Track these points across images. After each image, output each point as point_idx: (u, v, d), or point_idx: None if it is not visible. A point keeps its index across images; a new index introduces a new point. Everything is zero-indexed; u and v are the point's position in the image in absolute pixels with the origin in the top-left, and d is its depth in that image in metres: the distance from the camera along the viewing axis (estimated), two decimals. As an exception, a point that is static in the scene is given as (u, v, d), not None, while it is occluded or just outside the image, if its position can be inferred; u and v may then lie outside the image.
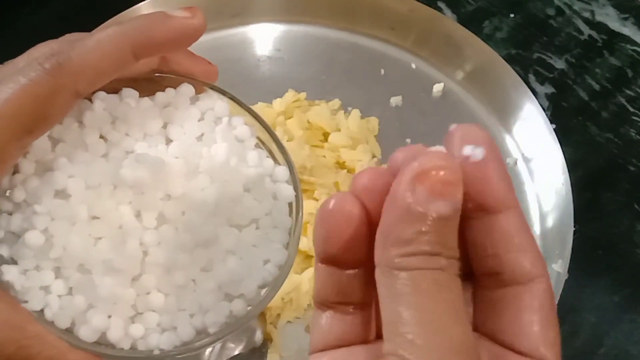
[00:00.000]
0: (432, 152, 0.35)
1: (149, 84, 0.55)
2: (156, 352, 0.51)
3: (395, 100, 0.91)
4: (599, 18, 0.99)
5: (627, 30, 0.98)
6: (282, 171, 0.56)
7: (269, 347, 0.76)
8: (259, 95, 0.88)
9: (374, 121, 0.89)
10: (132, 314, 0.52)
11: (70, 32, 0.54)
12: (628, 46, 0.97)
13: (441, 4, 0.99)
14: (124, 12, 0.88)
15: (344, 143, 0.85)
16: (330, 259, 0.38)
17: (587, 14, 0.99)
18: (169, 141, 0.54)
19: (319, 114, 0.87)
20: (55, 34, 0.55)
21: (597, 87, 0.95)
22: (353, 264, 0.38)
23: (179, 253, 0.51)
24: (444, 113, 0.90)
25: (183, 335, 0.51)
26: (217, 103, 0.56)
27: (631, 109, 0.93)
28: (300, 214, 0.54)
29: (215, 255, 0.52)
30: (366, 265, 0.38)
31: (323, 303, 0.39)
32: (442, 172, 0.34)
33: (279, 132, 0.84)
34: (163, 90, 0.55)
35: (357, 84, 0.92)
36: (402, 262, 0.34)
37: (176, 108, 0.55)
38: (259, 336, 0.74)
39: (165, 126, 0.55)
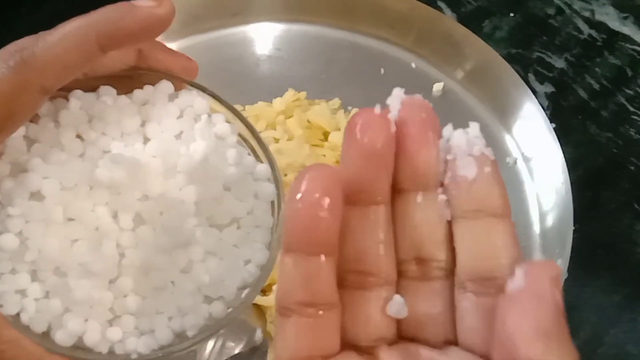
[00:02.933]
0: None
1: (127, 81, 0.52)
2: (134, 356, 0.49)
3: (395, 99, 0.87)
4: (598, 17, 0.97)
5: (627, 29, 0.96)
6: (264, 169, 0.53)
7: (269, 346, 0.73)
8: (259, 94, 0.86)
9: (374, 120, 0.85)
10: (109, 317, 0.49)
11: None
12: (628, 45, 0.95)
13: (441, 3, 0.97)
14: (124, 11, 0.85)
15: (344, 142, 0.81)
16: (299, 243, 0.35)
17: (587, 13, 0.97)
18: (147, 140, 0.51)
19: (319, 113, 0.84)
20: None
21: (597, 86, 0.93)
22: (322, 248, 0.35)
23: (157, 255, 0.49)
24: (444, 112, 0.84)
25: (161, 339, 0.49)
26: (196, 100, 0.53)
27: (631, 108, 0.91)
28: (282, 212, 0.51)
29: (195, 256, 0.49)
30: (334, 255, 0.35)
31: (287, 307, 0.36)
32: None
33: (278, 131, 0.83)
34: (141, 88, 0.52)
35: (357, 83, 0.89)
36: None
37: (154, 105, 0.52)
38: (259, 335, 0.72)
39: (143, 124, 0.52)
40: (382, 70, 0.90)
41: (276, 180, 0.52)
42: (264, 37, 0.92)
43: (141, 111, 0.51)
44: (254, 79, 0.89)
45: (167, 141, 0.51)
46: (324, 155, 0.81)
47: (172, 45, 0.88)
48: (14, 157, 0.49)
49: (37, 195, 0.48)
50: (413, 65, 0.91)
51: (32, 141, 0.50)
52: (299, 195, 0.34)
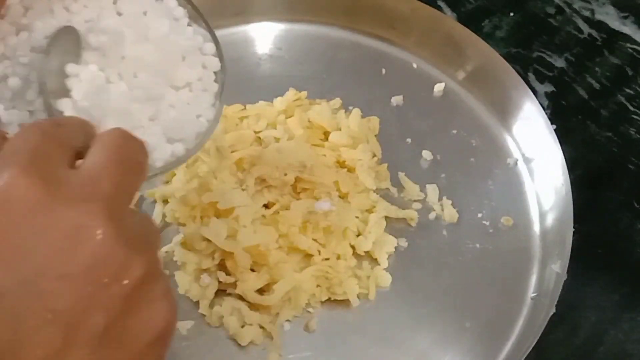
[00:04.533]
0: None
1: None
2: None
3: (396, 100, 0.88)
4: (598, 17, 0.97)
5: (627, 29, 0.96)
6: (210, 46, 0.62)
7: (269, 345, 0.73)
8: (260, 93, 0.86)
9: (374, 120, 0.86)
10: None
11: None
12: (628, 45, 0.95)
13: (441, 3, 0.97)
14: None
15: (344, 142, 0.82)
16: None
17: (587, 13, 0.97)
18: (119, 14, 0.60)
19: (320, 113, 0.84)
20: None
21: (597, 85, 0.92)
22: None
23: (133, 103, 0.57)
24: (445, 113, 0.88)
25: None
26: None
27: (631, 108, 0.91)
28: (224, 80, 0.62)
29: (161, 108, 0.58)
30: None
31: None
32: None
33: (279, 131, 0.82)
34: None
35: (358, 83, 0.89)
36: None
37: None
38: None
39: (115, 1, 0.60)
40: (383, 71, 0.90)
41: (220, 55, 0.62)
42: (265, 36, 0.92)
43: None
44: (255, 79, 0.89)
45: (136, 16, 0.59)
46: (324, 155, 0.80)
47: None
48: (14, 19, 0.57)
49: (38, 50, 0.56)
50: (414, 65, 0.90)
51: (27, 9, 0.57)
52: None
